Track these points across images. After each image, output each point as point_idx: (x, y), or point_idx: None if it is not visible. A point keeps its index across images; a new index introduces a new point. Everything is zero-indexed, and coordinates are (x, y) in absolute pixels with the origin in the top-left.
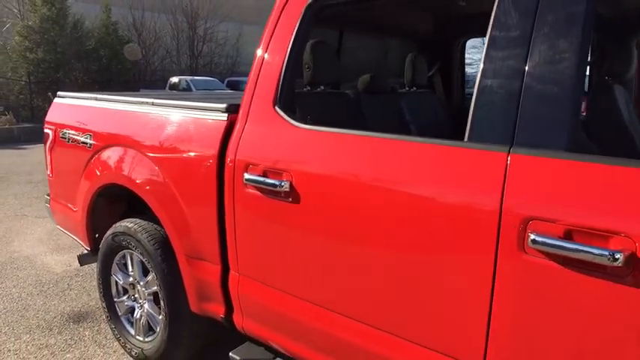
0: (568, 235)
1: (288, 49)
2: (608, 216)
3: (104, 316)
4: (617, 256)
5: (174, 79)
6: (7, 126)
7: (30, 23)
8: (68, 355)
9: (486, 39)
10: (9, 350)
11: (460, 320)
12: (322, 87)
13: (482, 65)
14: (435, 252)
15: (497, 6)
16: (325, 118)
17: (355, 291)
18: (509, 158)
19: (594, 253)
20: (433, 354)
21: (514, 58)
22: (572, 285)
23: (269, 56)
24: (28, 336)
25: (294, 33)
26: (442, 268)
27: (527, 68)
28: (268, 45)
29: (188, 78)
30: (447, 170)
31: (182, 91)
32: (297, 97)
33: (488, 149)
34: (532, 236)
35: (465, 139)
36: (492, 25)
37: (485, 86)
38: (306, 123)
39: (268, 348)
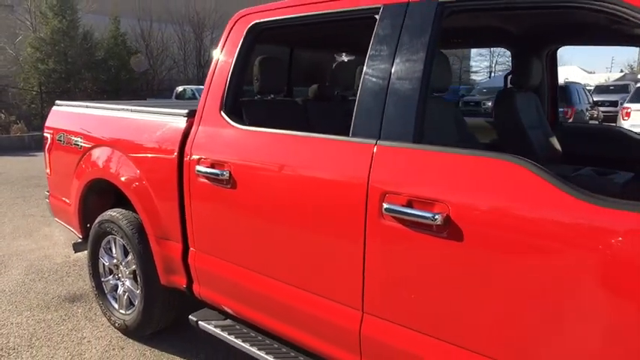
0: (409, 204)
1: (232, 65)
2: (433, 189)
3: (94, 296)
4: (436, 217)
5: (180, 88)
6: (18, 134)
7: (42, 35)
8: (62, 328)
9: (366, 58)
10: (12, 323)
11: (345, 274)
12: (272, 95)
13: (361, 79)
14: (328, 221)
15: (374, 34)
16: (273, 122)
17: (277, 257)
18: (375, 148)
19: (424, 215)
20: (332, 303)
21: (381, 74)
22: (413, 240)
23: (217, 71)
24: (28, 312)
25: (237, 52)
26: (332, 233)
27: (389, 82)
28: (217, 62)
29: (193, 87)
30: (336, 158)
31: (187, 100)
32: (247, 104)
33: (363, 142)
34: (385, 205)
35: (350, 134)
36: (370, 47)
37: (361, 95)
38: (244, 125)
39: (221, 312)
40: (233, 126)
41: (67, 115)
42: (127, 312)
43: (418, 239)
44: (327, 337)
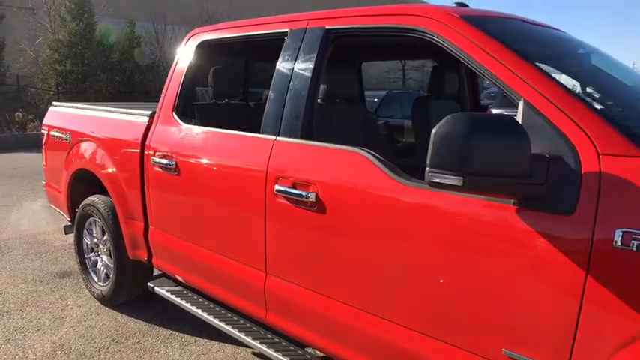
0: (293, 186)
1: (183, 75)
2: (307, 173)
3: (79, 271)
4: (309, 196)
5: None
6: (34, 132)
7: (60, 37)
8: (50, 297)
9: (275, 70)
10: (8, 293)
11: (253, 242)
12: (226, 99)
13: (270, 86)
14: (241, 201)
15: (281, 51)
16: (224, 123)
17: (208, 230)
18: (274, 143)
19: (301, 194)
20: (246, 267)
21: (283, 83)
22: (296, 213)
23: (172, 79)
24: (24, 285)
25: (188, 64)
26: (244, 210)
27: (288, 89)
28: (173, 71)
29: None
30: (249, 150)
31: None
32: (200, 107)
33: (266, 138)
34: (277, 187)
35: (260, 132)
36: (278, 61)
37: (269, 100)
38: (189, 124)
39: (174, 280)
40: (181, 125)
41: (60, 114)
42: (104, 284)
43: (299, 213)
44: (242, 294)
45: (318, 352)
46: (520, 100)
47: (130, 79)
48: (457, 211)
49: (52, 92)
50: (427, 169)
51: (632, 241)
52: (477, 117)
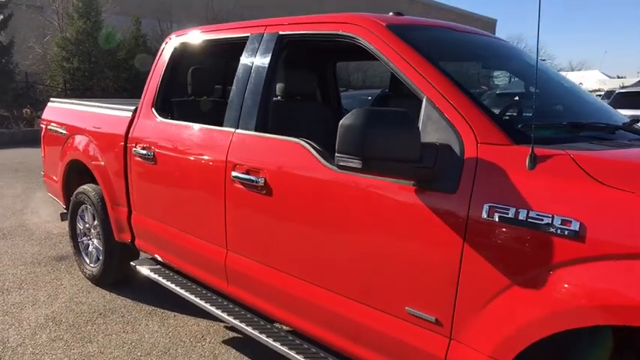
0: (247, 172)
1: (162, 74)
2: (258, 161)
3: (73, 255)
4: (259, 180)
5: None
6: None
7: (67, 35)
8: (46, 277)
9: (237, 70)
10: (9, 273)
11: (215, 223)
12: (205, 97)
13: (233, 84)
14: (206, 186)
15: (243, 53)
16: (201, 118)
17: (178, 212)
18: (233, 134)
19: (253, 179)
20: (211, 245)
21: (243, 81)
22: (249, 197)
23: (152, 77)
24: (23, 266)
25: (165, 66)
26: (208, 194)
27: (246, 87)
28: (153, 70)
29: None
30: (213, 141)
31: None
32: (179, 103)
33: (227, 130)
34: (233, 173)
35: (223, 125)
36: (239, 62)
37: (231, 96)
38: (165, 118)
39: (156, 260)
40: (158, 119)
41: (57, 109)
42: (95, 265)
43: (251, 196)
44: (208, 269)
45: (285, 327)
46: (423, 97)
47: (136, 76)
48: (372, 191)
49: (59, 89)
50: (336, 154)
51: (495, 214)
52: (374, 111)
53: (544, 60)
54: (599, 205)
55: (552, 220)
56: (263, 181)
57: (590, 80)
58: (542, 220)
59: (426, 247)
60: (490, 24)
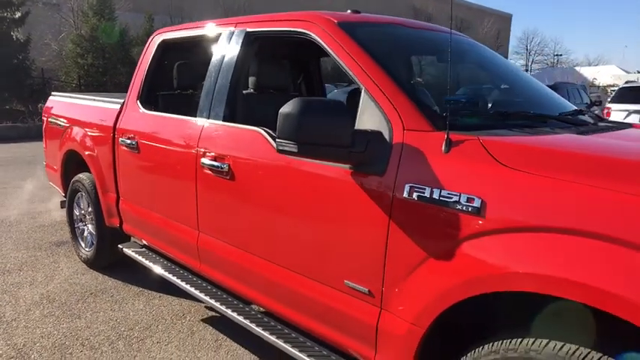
0: (214, 159)
1: (146, 69)
2: (223, 149)
3: (71, 239)
4: (224, 166)
5: None
6: None
7: (82, 32)
8: (45, 260)
9: (209, 64)
10: (11, 256)
11: (188, 206)
12: (191, 91)
13: (205, 77)
14: (179, 171)
15: (215, 49)
16: (186, 110)
17: (156, 197)
18: (204, 125)
19: (219, 165)
20: (185, 227)
21: (214, 74)
22: (216, 181)
23: (138, 72)
24: (25, 250)
25: (150, 59)
26: (181, 179)
27: (217, 80)
28: (138, 68)
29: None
30: (186, 130)
31: None
32: (164, 96)
33: (199, 120)
34: (202, 160)
35: (196, 115)
36: (212, 57)
37: (204, 89)
38: (149, 110)
39: (143, 244)
40: (141, 110)
41: (57, 103)
42: (89, 249)
43: (218, 181)
44: (183, 249)
45: (260, 308)
46: (362, 88)
47: None
48: (314, 173)
49: (74, 85)
50: (276, 139)
51: (414, 193)
52: (310, 100)
53: (560, 55)
54: (499, 184)
55: (459, 198)
56: (227, 167)
57: (605, 75)
58: (451, 198)
59: (360, 225)
60: (505, 19)
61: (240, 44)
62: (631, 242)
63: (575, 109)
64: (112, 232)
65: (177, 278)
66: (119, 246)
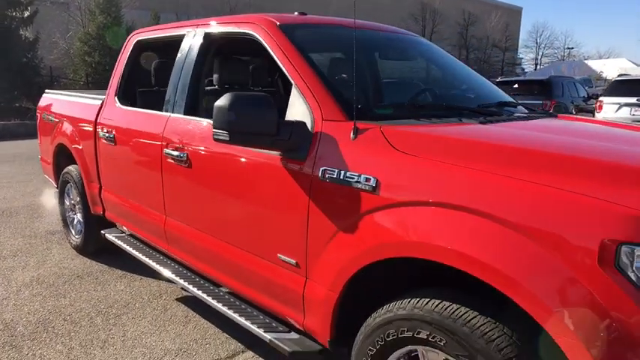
0: (175, 149)
1: (123, 67)
2: (182, 139)
3: (63, 227)
4: (183, 156)
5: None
6: None
7: (89, 30)
8: (39, 247)
9: (174, 63)
10: (8, 244)
11: (156, 192)
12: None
13: (171, 76)
14: (149, 161)
15: (180, 49)
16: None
17: (130, 185)
18: (168, 118)
19: (179, 155)
20: (154, 212)
21: (177, 72)
22: (177, 169)
23: (117, 70)
24: (21, 238)
25: (127, 58)
26: (150, 168)
27: (180, 77)
28: (117, 66)
29: None
30: (154, 123)
31: None
32: (142, 93)
33: (164, 114)
34: (165, 150)
35: (163, 110)
36: (177, 56)
37: (169, 86)
38: (125, 106)
39: (123, 230)
40: (118, 106)
41: (49, 99)
42: (78, 236)
43: (178, 169)
44: (154, 232)
45: (225, 289)
46: (293, 84)
47: None
48: (251, 160)
49: (81, 82)
50: (213, 130)
51: (327, 175)
52: (239, 94)
53: (571, 48)
54: (391, 166)
55: (359, 178)
56: (186, 156)
57: (612, 68)
58: (353, 178)
59: (287, 204)
60: (515, 12)
61: (199, 44)
62: (493, 215)
63: (501, 101)
64: (97, 220)
65: (151, 260)
66: (102, 232)
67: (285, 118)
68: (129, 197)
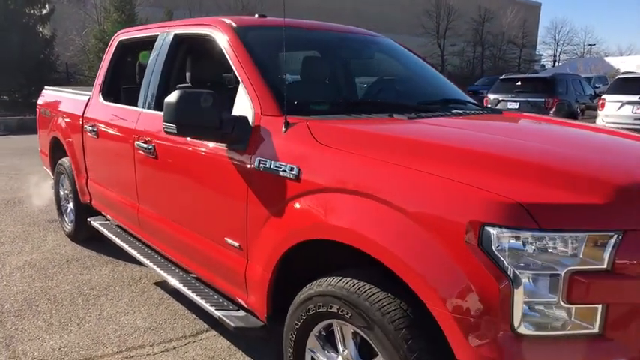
0: (145, 142)
1: (107, 66)
2: (151, 133)
3: (58, 216)
4: (150, 147)
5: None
6: None
7: (104, 28)
8: (37, 234)
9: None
10: (8, 231)
11: (130, 182)
12: None
13: (145, 73)
14: (124, 152)
15: (154, 47)
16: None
17: (109, 175)
18: (141, 113)
19: (147, 147)
20: (129, 200)
21: (150, 71)
22: (146, 160)
23: (102, 68)
24: (21, 226)
25: (110, 57)
26: (125, 159)
27: (152, 75)
28: (102, 64)
29: None
30: (129, 117)
31: None
32: (126, 90)
33: (138, 109)
34: (136, 143)
35: (138, 106)
36: (151, 56)
37: (143, 84)
38: (107, 102)
39: (107, 217)
40: (100, 101)
41: (47, 95)
42: (70, 224)
43: (147, 160)
44: (129, 219)
45: (194, 275)
46: (240, 82)
47: None
48: (205, 151)
49: None
50: (163, 123)
51: (261, 165)
52: (186, 92)
53: (593, 45)
54: (312, 156)
55: (285, 167)
56: (153, 149)
57: (631, 65)
58: (281, 167)
59: (231, 192)
60: (533, 8)
61: (169, 44)
62: (385, 200)
63: (446, 99)
64: (86, 209)
65: (128, 245)
66: (88, 220)
67: (232, 113)
68: (109, 187)
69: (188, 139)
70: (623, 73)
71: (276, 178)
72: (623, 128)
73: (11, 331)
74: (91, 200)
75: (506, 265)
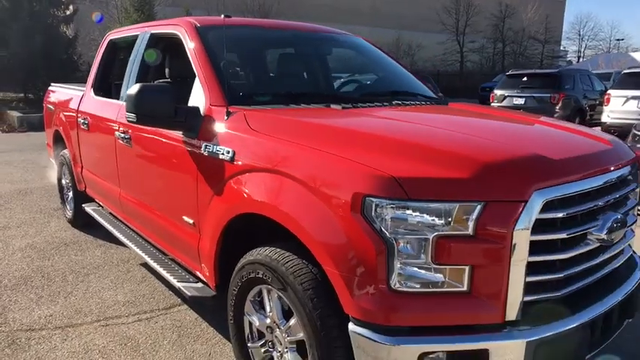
0: (123, 132)
1: (99, 63)
2: (127, 123)
3: (61, 204)
4: (127, 136)
5: None
6: None
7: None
8: (41, 220)
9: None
10: (16, 217)
11: (112, 168)
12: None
13: (126, 69)
14: (108, 141)
15: (134, 47)
16: None
17: (98, 163)
18: (121, 106)
19: (125, 136)
20: (113, 186)
21: (130, 68)
22: (124, 148)
23: (94, 66)
24: (29, 213)
25: (101, 55)
26: (108, 146)
27: (131, 71)
28: (94, 62)
29: None
30: (112, 109)
31: None
32: (117, 85)
33: (119, 103)
34: (116, 133)
35: (119, 98)
36: (132, 54)
37: (124, 80)
38: (97, 96)
39: (99, 203)
40: (92, 96)
41: (52, 91)
42: (70, 211)
43: (125, 148)
44: (114, 203)
45: (170, 256)
46: (195, 77)
47: None
48: (167, 138)
49: None
50: (126, 113)
51: (206, 149)
52: (145, 85)
53: (621, 40)
54: (244, 141)
55: (223, 150)
56: (129, 137)
57: None
58: (221, 151)
59: (185, 175)
60: (557, 3)
61: (146, 43)
62: (292, 175)
63: (395, 91)
64: (83, 196)
65: (113, 228)
66: (82, 205)
67: (188, 104)
68: (97, 175)
69: (155, 128)
70: (629, 68)
71: (217, 161)
72: (628, 124)
73: (5, 302)
74: (85, 188)
75: (384, 230)
